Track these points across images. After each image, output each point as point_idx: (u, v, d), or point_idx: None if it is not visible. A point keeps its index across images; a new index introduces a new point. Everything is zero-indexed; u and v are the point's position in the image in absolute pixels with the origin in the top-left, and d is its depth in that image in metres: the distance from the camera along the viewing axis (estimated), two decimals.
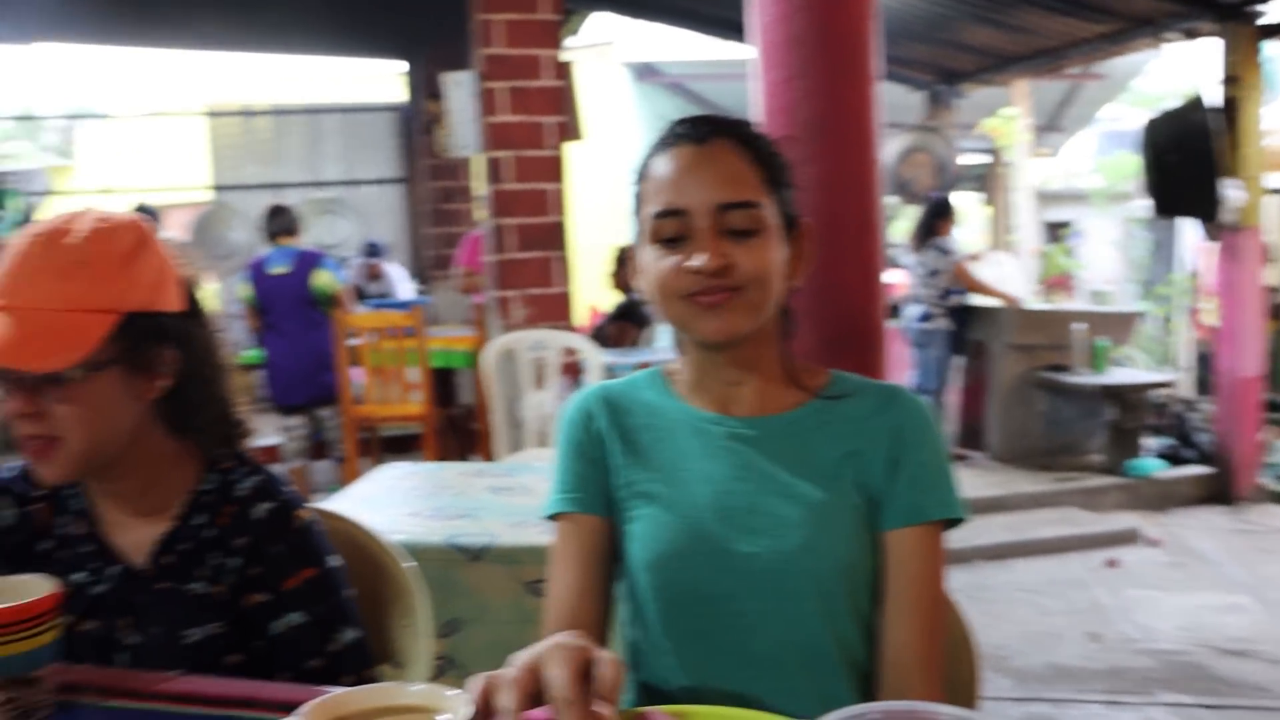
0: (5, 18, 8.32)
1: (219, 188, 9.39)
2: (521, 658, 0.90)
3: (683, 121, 1.28)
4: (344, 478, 5.09)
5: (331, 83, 11.06)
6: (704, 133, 1.25)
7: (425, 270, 8.82)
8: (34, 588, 1.06)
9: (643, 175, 1.28)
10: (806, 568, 1.21)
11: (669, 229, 1.22)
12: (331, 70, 10.98)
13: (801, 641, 1.22)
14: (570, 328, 4.92)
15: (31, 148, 10.94)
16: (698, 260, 1.19)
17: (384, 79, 10.05)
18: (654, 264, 1.24)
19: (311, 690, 0.99)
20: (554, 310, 4.95)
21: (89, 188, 10.57)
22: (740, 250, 1.20)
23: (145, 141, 11.17)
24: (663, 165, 1.25)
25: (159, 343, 1.30)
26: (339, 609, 1.35)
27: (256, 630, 1.31)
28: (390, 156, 9.58)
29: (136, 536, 1.34)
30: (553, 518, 1.32)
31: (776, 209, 1.24)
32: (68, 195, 10.38)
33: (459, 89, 5.00)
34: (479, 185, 5.29)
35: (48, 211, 9.76)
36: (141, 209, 6.27)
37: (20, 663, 1.02)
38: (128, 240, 1.29)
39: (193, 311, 1.36)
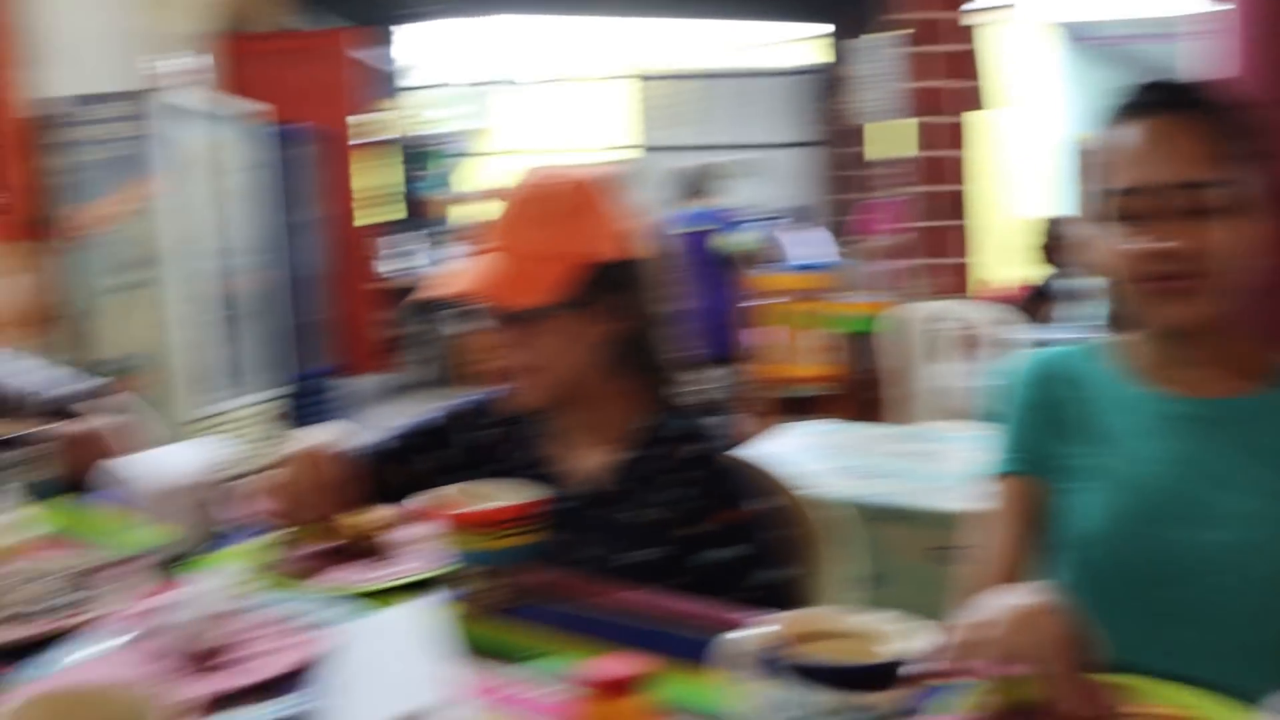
0: None
1: (643, 149, 9.89)
2: (992, 613, 0.95)
3: (1143, 88, 1.23)
4: (748, 433, 5.26)
5: (756, 47, 11.29)
6: (1164, 102, 1.19)
7: (834, 235, 8.88)
8: (519, 494, 1.22)
9: (1096, 147, 1.24)
10: (1251, 562, 1.16)
11: (1125, 208, 1.18)
12: (757, 34, 11.20)
13: (1235, 635, 1.17)
14: (971, 299, 4.80)
15: (459, 112, 11.93)
16: (1156, 243, 1.15)
17: (807, 43, 10.15)
18: (1108, 243, 1.20)
19: (752, 613, 1.06)
20: (957, 280, 4.86)
21: (512, 149, 11.40)
22: (1202, 232, 1.14)
23: (572, 105, 11.91)
24: (1119, 138, 1.20)
25: (617, 288, 1.43)
26: (764, 549, 1.43)
27: (683, 562, 1.41)
28: (808, 121, 9.71)
29: (583, 465, 1.49)
30: (993, 478, 1.34)
31: (1244, 184, 1.16)
32: (491, 157, 11.27)
33: (867, 53, 4.99)
34: (876, 151, 5.25)
35: (471, 172, 10.69)
36: None
37: (510, 556, 1.18)
38: (592, 194, 1.44)
39: (645, 262, 1.49)
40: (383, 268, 8.05)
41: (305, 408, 6.45)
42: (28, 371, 1.89)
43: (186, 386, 5.24)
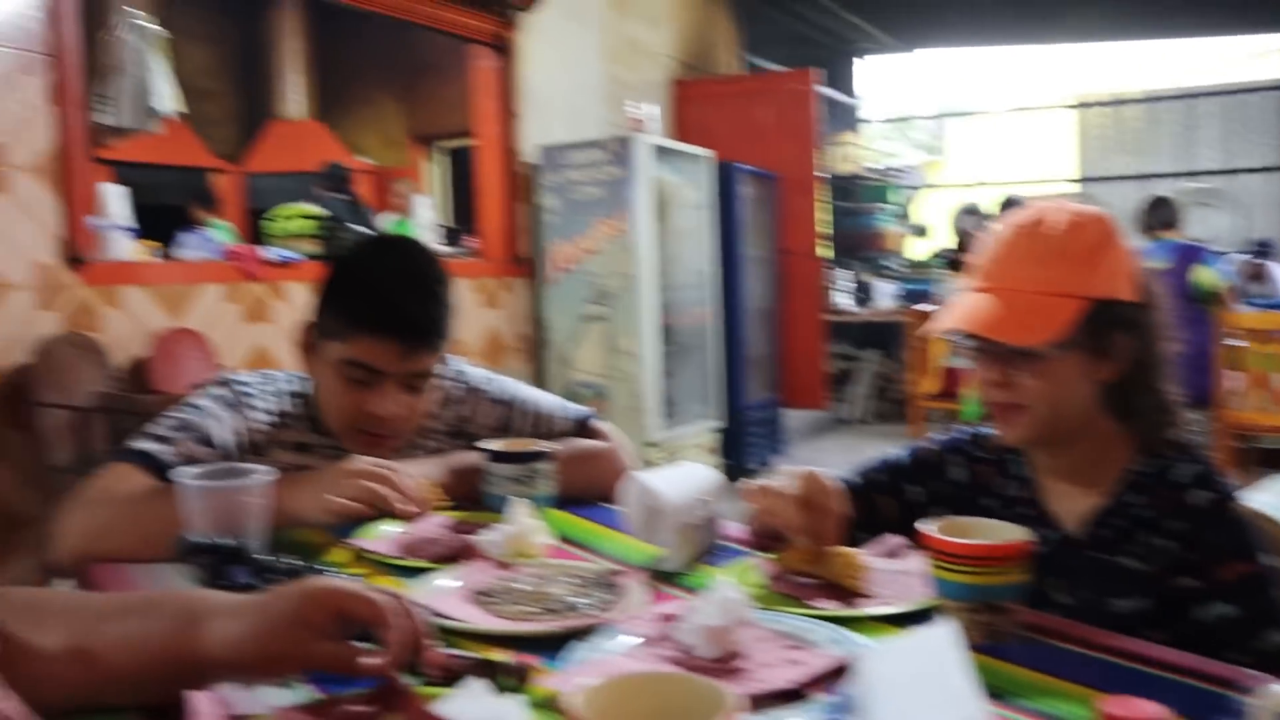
0: (893, 31, 9.22)
1: (1085, 179, 9.45)
2: None
3: None
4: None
5: (1209, 64, 10.49)
6: None
7: None
8: (1007, 532, 1.23)
9: None
10: None
11: None
12: (1209, 51, 10.40)
13: None
14: None
15: (907, 145, 11.99)
16: None
17: (1271, 55, 9.29)
18: None
19: (1258, 675, 1.00)
20: None
21: (958, 182, 11.25)
22: None
23: (1012, 135, 11.57)
24: None
25: (1117, 330, 1.41)
26: (1271, 608, 1.34)
27: (1181, 613, 1.35)
28: (1277, 142, 8.85)
29: (1071, 506, 1.47)
30: None
31: None
32: (939, 189, 11.16)
33: None
34: None
35: (922, 204, 10.62)
36: (1009, 202, 6.49)
37: (997, 592, 1.19)
38: (1098, 233, 1.42)
39: (1146, 303, 1.45)
40: (834, 302, 8.20)
41: (744, 438, 6.69)
42: (531, 394, 2.10)
43: (639, 413, 5.61)
